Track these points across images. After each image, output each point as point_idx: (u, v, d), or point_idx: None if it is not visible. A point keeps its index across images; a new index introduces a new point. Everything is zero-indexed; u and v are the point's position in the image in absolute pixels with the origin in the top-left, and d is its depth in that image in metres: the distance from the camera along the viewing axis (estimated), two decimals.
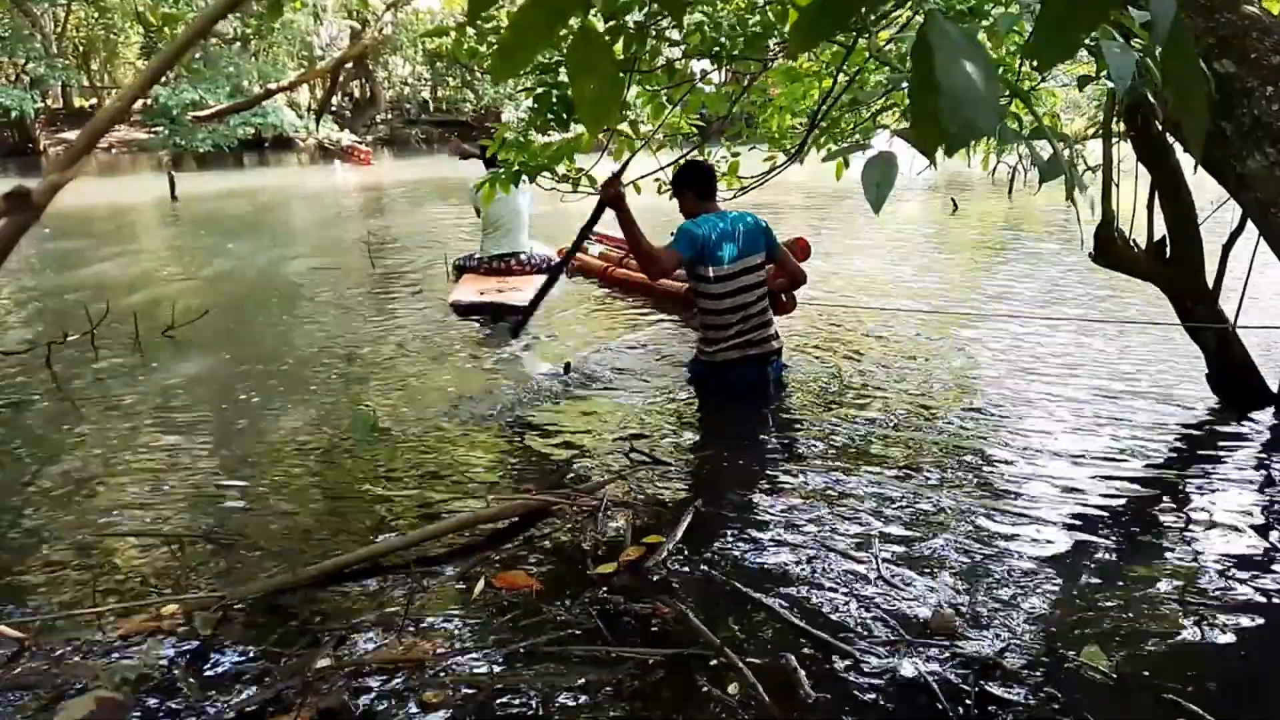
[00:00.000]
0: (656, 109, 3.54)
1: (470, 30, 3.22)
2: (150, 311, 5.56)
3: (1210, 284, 3.25)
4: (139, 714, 1.82)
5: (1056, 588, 2.21)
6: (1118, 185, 3.04)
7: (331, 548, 2.50)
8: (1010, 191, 11.41)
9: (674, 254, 3.61)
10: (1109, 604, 2.12)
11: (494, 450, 3.27)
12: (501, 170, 3.44)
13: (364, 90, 31.03)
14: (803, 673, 1.83)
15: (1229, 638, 1.99)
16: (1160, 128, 3.04)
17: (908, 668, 1.87)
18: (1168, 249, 3.21)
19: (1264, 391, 3.35)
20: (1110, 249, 3.23)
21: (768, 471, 3.04)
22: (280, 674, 1.92)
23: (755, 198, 4.06)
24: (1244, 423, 3.28)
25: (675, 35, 3.17)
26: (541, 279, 6.06)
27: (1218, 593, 2.16)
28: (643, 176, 3.65)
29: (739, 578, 2.26)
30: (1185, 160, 3.08)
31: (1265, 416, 3.29)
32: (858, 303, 5.45)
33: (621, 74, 2.95)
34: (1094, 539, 2.46)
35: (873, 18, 2.62)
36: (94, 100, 28.40)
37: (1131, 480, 2.84)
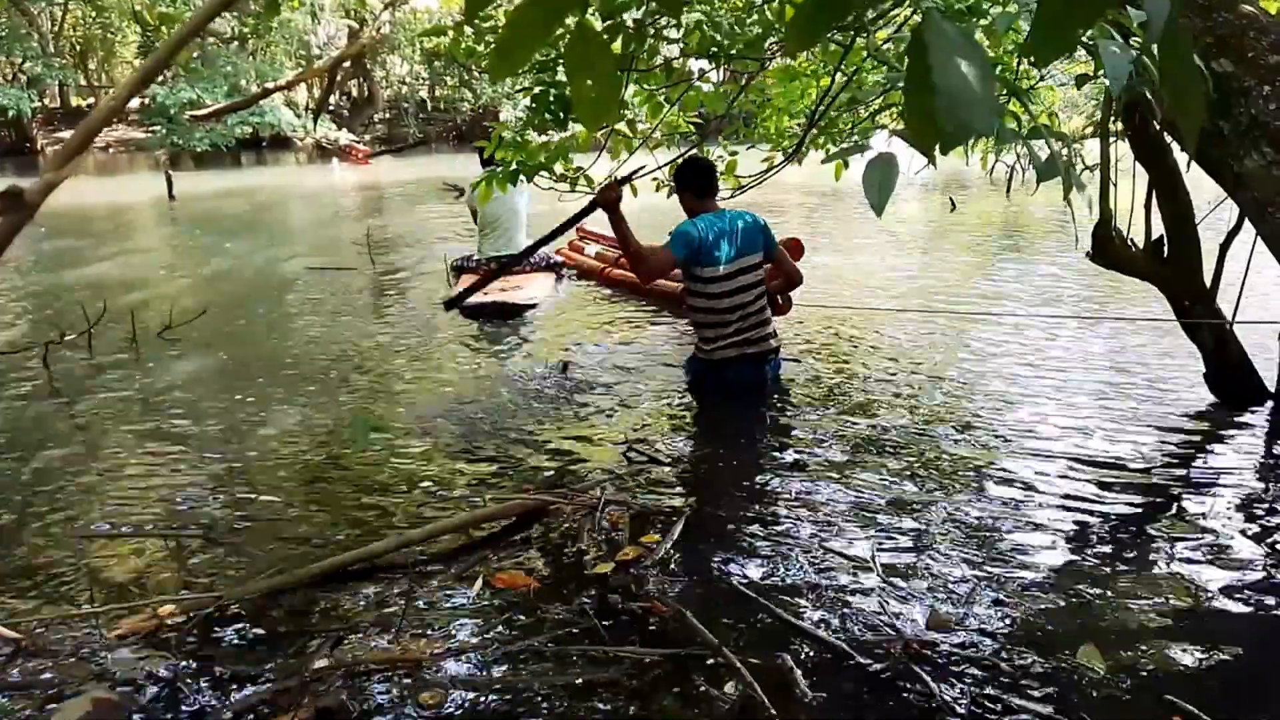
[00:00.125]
0: (654, 108, 3.53)
1: (468, 29, 3.22)
2: (147, 311, 5.55)
3: (1208, 283, 3.25)
4: (136, 715, 1.82)
5: (1053, 587, 2.21)
6: (1115, 184, 3.04)
7: (329, 547, 2.50)
8: (1008, 191, 11.42)
9: (668, 255, 3.61)
10: (1106, 604, 2.12)
11: (492, 450, 3.27)
12: (499, 169, 3.43)
13: (362, 89, 31.01)
14: (799, 672, 1.83)
15: (1226, 638, 1.99)
16: (1158, 127, 3.04)
17: (905, 667, 1.87)
18: (1165, 248, 3.21)
19: (1261, 390, 3.35)
20: (1108, 248, 3.23)
21: (766, 471, 3.04)
22: (278, 674, 1.92)
23: (754, 197, 4.06)
24: (1242, 421, 3.28)
25: (673, 34, 3.17)
26: (542, 278, 6.08)
27: (1215, 593, 2.16)
28: (640, 175, 3.64)
29: (737, 577, 2.26)
30: (1183, 159, 3.08)
31: (1263, 415, 3.29)
32: (856, 302, 5.45)
33: (620, 73, 2.96)
34: (1091, 539, 2.46)
35: (870, 16, 2.62)
36: (91, 99, 28.36)
37: (1129, 480, 2.84)
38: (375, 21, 25.71)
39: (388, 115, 30.97)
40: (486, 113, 27.47)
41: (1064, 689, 1.80)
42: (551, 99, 3.18)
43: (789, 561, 2.36)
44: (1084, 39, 1.91)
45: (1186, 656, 1.92)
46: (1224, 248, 3.23)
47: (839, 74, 3.17)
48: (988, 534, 2.48)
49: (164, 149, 24.25)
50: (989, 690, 1.80)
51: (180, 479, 3.07)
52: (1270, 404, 3.33)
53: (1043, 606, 2.12)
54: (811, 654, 1.93)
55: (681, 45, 3.23)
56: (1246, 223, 2.95)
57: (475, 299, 5.46)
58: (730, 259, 3.60)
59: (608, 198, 3.50)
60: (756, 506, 2.70)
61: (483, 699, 1.82)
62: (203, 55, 25.22)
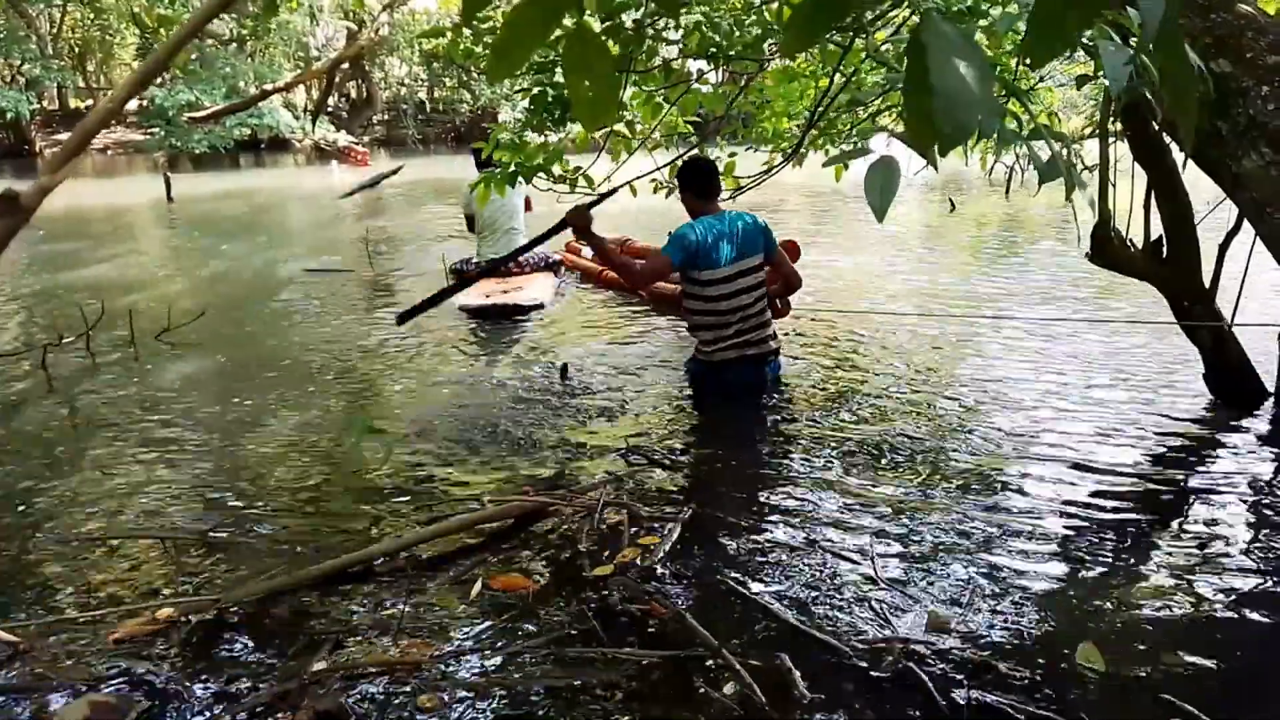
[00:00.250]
0: (653, 109, 3.53)
1: (466, 31, 3.22)
2: (146, 313, 5.55)
3: (1207, 283, 3.25)
4: (134, 718, 1.81)
5: (1052, 588, 2.20)
6: (1114, 185, 3.04)
7: (328, 550, 2.49)
8: (1007, 191, 11.43)
9: (663, 260, 3.62)
10: (1105, 604, 2.12)
11: (490, 452, 3.27)
12: (496, 171, 3.43)
13: (360, 91, 31.02)
14: (798, 673, 1.83)
15: (1225, 638, 1.99)
16: (1157, 127, 3.04)
17: (904, 666, 1.87)
18: (1164, 248, 3.21)
19: (1260, 391, 3.35)
20: (1107, 248, 3.23)
21: (764, 472, 3.03)
22: (277, 677, 1.92)
23: (754, 197, 4.06)
24: (1241, 422, 3.28)
25: (672, 35, 3.17)
26: (542, 277, 6.08)
27: (1214, 592, 2.16)
28: (639, 177, 3.64)
29: (736, 579, 2.26)
30: (1182, 159, 3.08)
31: (1262, 415, 3.29)
32: (855, 304, 5.46)
33: (618, 73, 2.96)
34: (1090, 539, 2.46)
35: (869, 17, 2.62)
36: (90, 101, 28.37)
37: (1127, 480, 2.84)
38: (374, 23, 25.72)
39: (386, 117, 30.98)
40: (485, 114, 27.50)
41: (1063, 689, 1.80)
42: (550, 99, 3.18)
43: (788, 563, 2.35)
44: (1083, 40, 1.91)
45: (1186, 657, 1.92)
46: (1223, 248, 3.23)
47: (838, 75, 3.17)
48: (986, 535, 2.47)
49: (162, 151, 24.25)
50: (987, 691, 1.80)
51: (178, 481, 3.07)
52: (1270, 404, 3.33)
53: (1042, 607, 2.11)
54: (810, 655, 1.93)
55: (680, 46, 3.23)
56: (1245, 223, 2.95)
57: (482, 302, 5.45)
58: (730, 260, 3.60)
59: (577, 225, 3.49)
60: (755, 508, 2.70)
61: (481, 701, 1.82)
62: (201, 57, 25.23)
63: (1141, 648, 1.94)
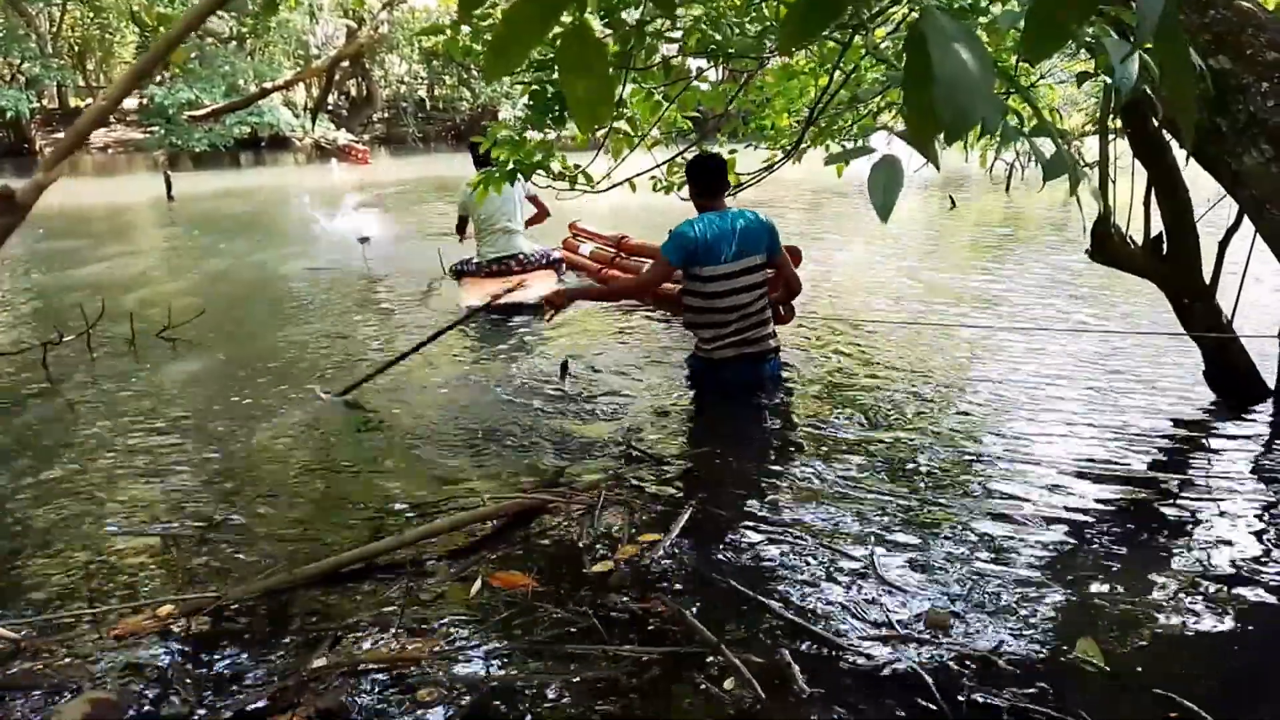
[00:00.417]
0: (653, 106, 3.53)
1: (465, 28, 3.21)
2: (146, 312, 5.55)
3: (1207, 280, 3.25)
4: (134, 715, 1.81)
5: (1051, 585, 2.20)
6: (1114, 182, 3.04)
7: (328, 547, 2.50)
8: (1008, 188, 11.42)
9: (662, 265, 3.65)
10: (1104, 601, 2.12)
11: (490, 449, 3.27)
12: (494, 168, 3.42)
13: (360, 89, 31.00)
14: (797, 669, 1.83)
15: (1224, 634, 1.99)
16: (1157, 124, 3.03)
17: (903, 664, 1.87)
18: (1164, 246, 3.21)
19: (1261, 388, 3.35)
20: (1107, 245, 3.23)
21: (765, 470, 3.03)
22: (276, 673, 1.92)
23: (755, 194, 4.06)
24: (1242, 420, 3.28)
25: (673, 33, 3.17)
26: (543, 275, 6.06)
27: (1213, 590, 2.16)
28: (638, 175, 3.64)
29: (736, 575, 2.26)
30: (1182, 156, 3.07)
31: (1263, 413, 3.29)
32: (854, 303, 5.46)
33: (617, 71, 2.95)
34: (1089, 536, 2.46)
35: (868, 14, 2.61)
36: (89, 100, 28.33)
37: (1128, 478, 2.84)
38: (373, 20, 25.70)
39: (386, 115, 30.98)
40: (485, 112, 27.50)
41: (1062, 686, 1.80)
42: (549, 97, 3.17)
43: (787, 560, 2.35)
44: (1086, 37, 1.90)
45: (1185, 653, 1.92)
46: (1223, 245, 3.23)
47: (837, 72, 3.17)
48: (985, 532, 2.48)
49: (162, 149, 24.26)
50: (987, 686, 1.80)
51: (178, 479, 3.07)
52: (1271, 402, 3.33)
53: (1041, 604, 2.11)
54: (810, 651, 1.93)
55: (680, 44, 3.23)
56: (1246, 220, 2.95)
57: (482, 300, 5.44)
58: (730, 258, 3.59)
59: (554, 300, 3.66)
60: (755, 505, 2.70)
61: (481, 698, 1.82)
62: (201, 55, 25.22)
63: (1141, 644, 1.94)
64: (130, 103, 26.37)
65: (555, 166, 3.44)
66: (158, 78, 25.13)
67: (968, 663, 1.88)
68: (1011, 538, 2.44)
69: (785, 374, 3.93)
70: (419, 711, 1.78)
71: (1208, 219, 3.18)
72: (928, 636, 1.98)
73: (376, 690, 1.85)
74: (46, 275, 7.42)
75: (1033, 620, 2.05)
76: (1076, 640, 1.93)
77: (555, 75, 3.17)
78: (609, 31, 2.79)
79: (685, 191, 3.89)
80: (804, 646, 1.95)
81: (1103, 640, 1.93)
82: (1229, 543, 2.39)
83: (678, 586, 2.23)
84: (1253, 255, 3.14)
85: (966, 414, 3.46)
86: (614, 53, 2.87)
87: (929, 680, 1.80)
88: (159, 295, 6.28)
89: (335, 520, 2.73)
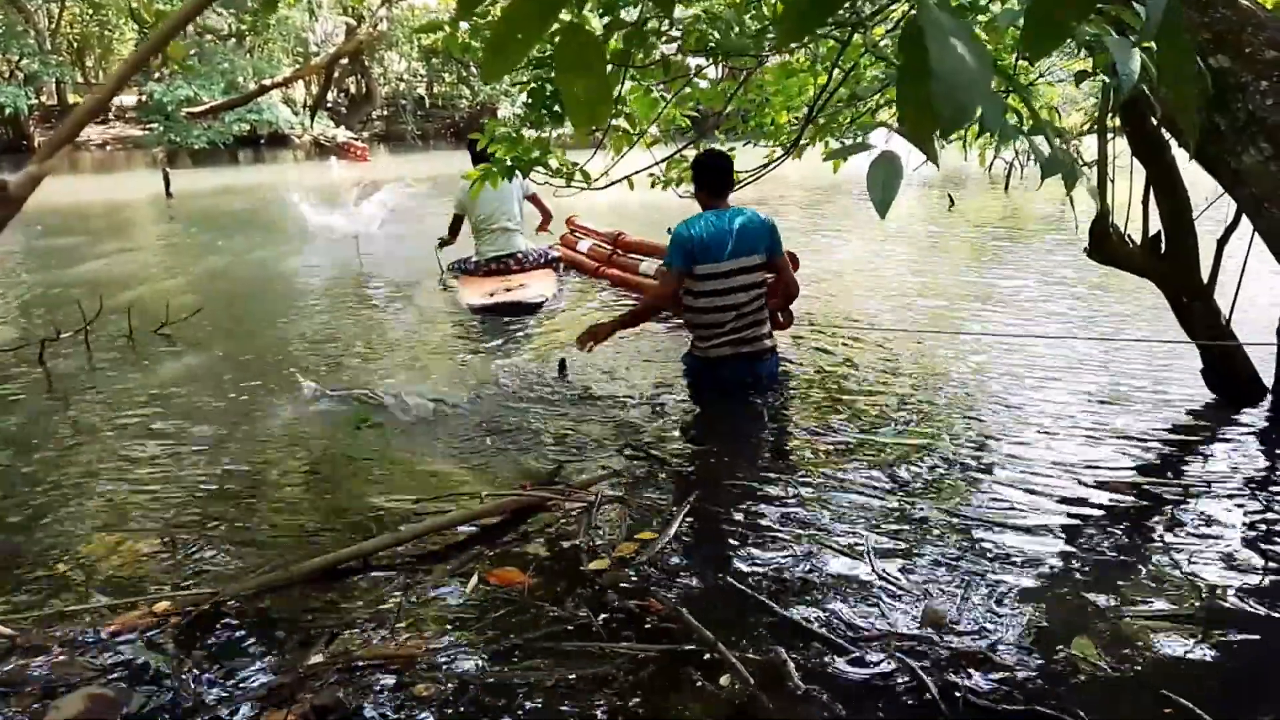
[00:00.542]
0: (650, 104, 3.52)
1: (463, 25, 3.20)
2: (144, 308, 5.54)
3: (1205, 279, 3.25)
4: (131, 711, 1.81)
5: (1048, 583, 2.21)
6: (1113, 181, 3.04)
7: (324, 544, 2.49)
8: (1006, 187, 11.42)
9: (667, 273, 3.68)
10: (1100, 599, 2.12)
11: (487, 447, 3.27)
12: (492, 165, 3.42)
13: (359, 86, 30.98)
14: (792, 665, 1.83)
15: (1220, 633, 1.99)
16: (1156, 123, 3.03)
17: (899, 661, 1.87)
18: (1163, 244, 3.20)
19: (1259, 387, 3.35)
20: (1105, 244, 3.22)
21: (762, 469, 3.03)
22: (273, 670, 1.92)
23: (754, 192, 4.05)
24: (1239, 418, 3.28)
25: (673, 31, 3.16)
26: (544, 274, 6.05)
27: (1210, 589, 2.16)
28: (636, 172, 3.63)
29: (733, 574, 2.26)
30: (1181, 155, 3.07)
31: (1261, 412, 3.29)
32: (852, 303, 5.45)
33: (616, 69, 2.95)
34: (1086, 535, 2.46)
35: (867, 12, 2.62)
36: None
37: (1125, 476, 2.84)
38: (372, 18, 25.68)
39: (385, 112, 30.97)
40: (484, 109, 27.49)
41: (1058, 683, 1.80)
42: (548, 94, 3.17)
43: (784, 558, 2.35)
44: (1085, 35, 1.90)
45: (1183, 652, 1.92)
46: (1221, 243, 3.22)
47: (836, 70, 3.16)
48: (983, 531, 2.48)
49: (161, 146, 24.24)
50: (983, 684, 1.80)
51: (176, 475, 3.07)
52: (1269, 400, 3.33)
53: (1038, 602, 2.11)
54: (807, 649, 1.93)
55: (679, 42, 3.22)
56: (1245, 219, 2.95)
57: (487, 301, 5.43)
58: (726, 258, 3.59)
59: (597, 335, 3.77)
60: (752, 503, 2.70)
61: (477, 695, 1.82)
62: (200, 52, 25.19)
63: (1137, 643, 1.94)
64: (129, 100, 26.36)
65: (553, 163, 3.43)
66: (157, 75, 25.12)
67: (964, 661, 1.88)
68: (1008, 536, 2.44)
69: (783, 373, 3.92)
70: (415, 708, 1.78)
71: (1206, 217, 3.18)
72: (924, 634, 1.98)
73: (373, 687, 1.85)
74: (44, 272, 7.41)
75: (1029, 618, 2.05)
76: (1073, 638, 1.93)
77: (554, 73, 3.16)
78: (608, 33, 2.78)
79: (684, 188, 3.90)
80: (801, 643, 1.95)
81: (1099, 638, 1.94)
82: (1226, 542, 2.39)
83: (675, 585, 2.23)
84: (1251, 254, 3.14)
85: (963, 414, 3.46)
86: (613, 51, 2.86)
87: (925, 678, 1.80)
88: (157, 292, 6.28)
89: (332, 517, 2.73)
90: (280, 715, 1.75)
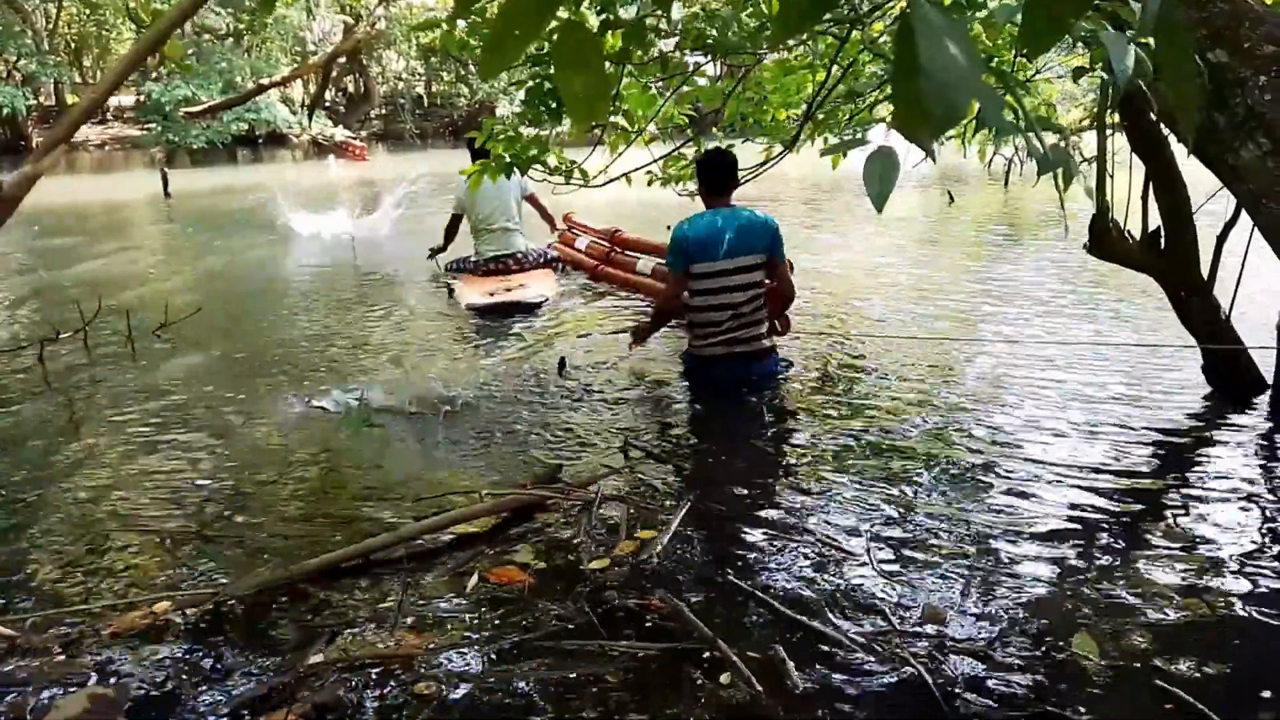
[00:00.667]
0: (648, 101, 3.52)
1: (461, 23, 3.20)
2: (143, 309, 5.54)
3: (1205, 275, 3.25)
4: (132, 710, 1.81)
5: (1048, 580, 2.20)
6: (1112, 177, 3.04)
7: (324, 543, 2.49)
8: (1006, 183, 11.42)
9: (671, 275, 3.73)
10: (1101, 596, 2.12)
11: (488, 445, 3.27)
12: (491, 162, 3.41)
13: (357, 85, 30.95)
14: (792, 664, 1.83)
15: (1221, 629, 1.99)
16: (1155, 119, 3.03)
17: (899, 658, 1.87)
18: (1162, 240, 3.20)
19: (1259, 381, 3.35)
20: (1105, 240, 3.22)
21: (762, 467, 3.03)
22: (274, 669, 1.92)
23: (753, 190, 4.05)
24: (1239, 414, 3.28)
25: (670, 28, 3.16)
26: (542, 274, 6.05)
27: (1210, 585, 2.16)
28: (635, 170, 3.63)
29: (733, 571, 2.26)
30: (1180, 151, 3.07)
31: (1260, 406, 3.29)
32: (851, 302, 5.45)
33: (615, 66, 2.94)
34: (1086, 533, 2.46)
35: (865, 8, 2.61)
36: None
37: (1125, 473, 2.84)
38: (370, 16, 25.65)
39: (384, 111, 30.94)
40: (483, 108, 27.46)
41: (1058, 680, 1.80)
42: (546, 91, 3.16)
43: (785, 556, 2.35)
44: (1082, 31, 1.90)
45: (1182, 648, 1.92)
46: (1221, 240, 3.22)
47: (835, 67, 3.16)
48: (982, 528, 2.48)
49: (159, 146, 24.22)
50: (983, 681, 1.80)
51: (175, 475, 3.07)
52: (1269, 395, 3.33)
53: (1038, 600, 2.11)
54: (807, 647, 1.93)
55: (678, 39, 3.22)
56: (1244, 214, 2.95)
57: (488, 300, 5.42)
58: (722, 257, 3.60)
59: (640, 336, 3.99)
60: (752, 502, 2.70)
61: (478, 694, 1.82)
62: (198, 52, 25.16)
63: (1138, 639, 1.94)
64: (127, 100, 26.34)
65: (551, 161, 3.43)
66: (155, 74, 25.10)
67: (964, 657, 1.88)
68: (1008, 534, 2.44)
69: (782, 372, 3.92)
70: (415, 707, 1.78)
71: (1205, 211, 3.18)
72: (924, 631, 1.98)
73: (373, 686, 1.85)
74: (43, 272, 7.41)
75: (1029, 615, 2.05)
76: (1074, 637, 1.93)
77: (552, 70, 3.16)
78: (606, 32, 2.78)
79: (682, 187, 3.90)
80: (802, 641, 1.95)
81: (1099, 635, 1.94)
82: (1226, 538, 2.39)
83: (675, 582, 2.23)
84: (1250, 249, 3.14)
85: (963, 411, 3.46)
86: (610, 48, 2.86)
87: (925, 675, 1.80)
88: (156, 292, 6.27)
89: (332, 516, 2.73)
90: (280, 715, 1.75)
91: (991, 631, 1.98)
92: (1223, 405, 3.35)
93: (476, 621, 2.09)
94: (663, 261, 5.24)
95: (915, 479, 2.82)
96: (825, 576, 2.24)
